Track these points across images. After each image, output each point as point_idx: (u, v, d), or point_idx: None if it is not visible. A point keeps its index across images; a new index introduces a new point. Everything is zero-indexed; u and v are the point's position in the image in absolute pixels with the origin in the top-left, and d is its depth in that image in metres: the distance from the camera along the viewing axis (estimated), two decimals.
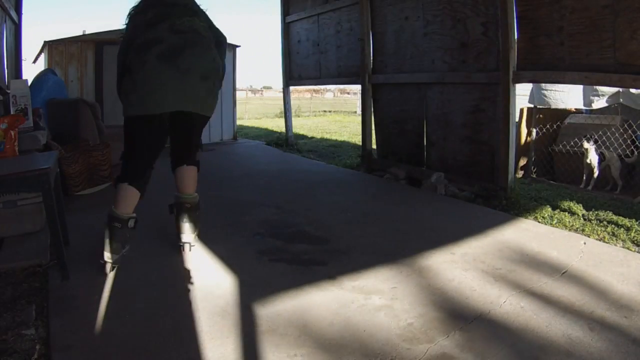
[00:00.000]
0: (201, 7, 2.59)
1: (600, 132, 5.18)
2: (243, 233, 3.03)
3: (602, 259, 2.55)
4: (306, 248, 2.77)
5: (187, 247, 2.67)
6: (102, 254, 2.29)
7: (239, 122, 9.75)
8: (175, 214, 2.64)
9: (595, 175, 5.17)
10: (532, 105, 6.17)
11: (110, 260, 2.30)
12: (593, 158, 5.13)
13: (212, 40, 2.48)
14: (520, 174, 5.68)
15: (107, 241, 2.28)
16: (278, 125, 11.24)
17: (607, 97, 5.92)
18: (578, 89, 6.22)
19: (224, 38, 2.63)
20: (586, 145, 5.11)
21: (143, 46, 2.28)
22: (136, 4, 2.51)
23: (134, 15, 2.45)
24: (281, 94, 7.72)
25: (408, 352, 1.70)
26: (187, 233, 2.61)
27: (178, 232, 2.63)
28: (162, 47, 2.26)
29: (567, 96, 6.28)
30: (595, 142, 5.16)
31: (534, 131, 5.77)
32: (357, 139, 7.89)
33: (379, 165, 5.26)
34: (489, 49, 3.91)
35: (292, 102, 7.76)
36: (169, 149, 2.77)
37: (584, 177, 5.22)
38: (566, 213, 3.52)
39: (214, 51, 2.45)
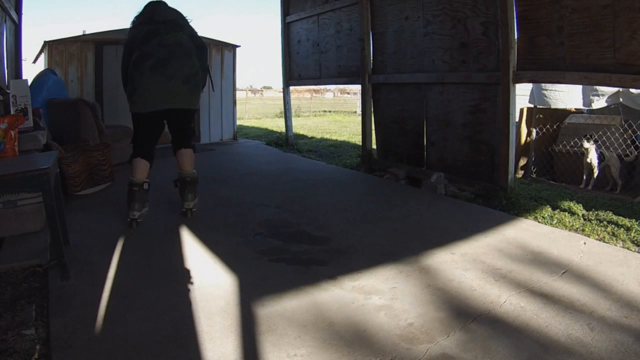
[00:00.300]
0: (187, 17, 3.23)
1: (600, 132, 5.18)
2: (243, 233, 3.03)
3: (602, 259, 2.55)
4: (306, 248, 2.77)
5: (189, 213, 3.30)
6: (128, 214, 3.04)
7: (239, 122, 9.75)
8: (179, 187, 3.31)
9: (595, 175, 5.17)
10: (532, 105, 6.17)
11: (135, 217, 3.04)
12: (593, 158, 5.13)
13: (193, 48, 3.11)
14: (520, 174, 5.68)
15: (130, 203, 3.02)
16: (278, 125, 11.24)
17: (607, 97, 5.92)
18: (578, 89, 6.22)
19: (204, 45, 3.29)
20: (586, 145, 5.12)
21: (139, 60, 2.98)
22: (138, 14, 3.16)
23: (135, 26, 3.12)
24: (281, 94, 7.72)
25: (408, 352, 1.70)
26: (189, 201, 3.28)
27: (182, 201, 3.30)
28: (153, 60, 2.95)
29: (567, 96, 6.28)
30: (595, 142, 5.16)
31: (534, 131, 5.77)
32: (357, 139, 7.89)
33: (379, 165, 5.26)
34: (489, 49, 3.91)
35: (292, 102, 7.76)
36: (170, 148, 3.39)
37: (584, 177, 5.22)
38: (566, 213, 3.52)
39: (193, 59, 3.09)
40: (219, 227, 3.16)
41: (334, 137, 9.02)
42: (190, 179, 3.25)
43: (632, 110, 5.70)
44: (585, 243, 2.82)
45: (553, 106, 6.21)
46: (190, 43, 3.09)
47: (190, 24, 3.26)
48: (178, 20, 3.11)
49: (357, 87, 10.00)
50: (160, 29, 3.00)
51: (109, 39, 6.57)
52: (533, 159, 5.71)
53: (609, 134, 5.13)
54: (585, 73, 3.23)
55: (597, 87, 5.86)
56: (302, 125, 11.64)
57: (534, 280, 2.28)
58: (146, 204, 3.14)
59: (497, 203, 3.74)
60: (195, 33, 3.22)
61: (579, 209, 3.58)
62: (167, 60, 2.95)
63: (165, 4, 3.19)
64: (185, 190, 3.25)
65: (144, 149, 3.12)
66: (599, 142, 5.18)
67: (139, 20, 3.11)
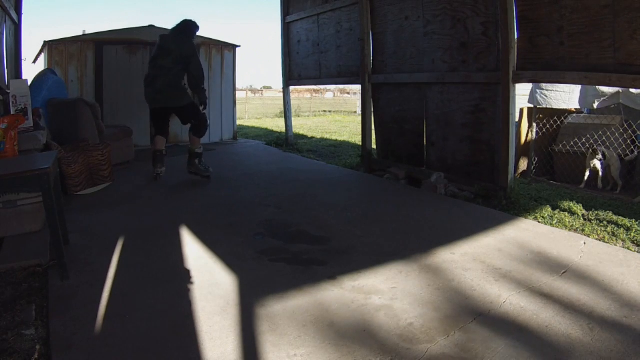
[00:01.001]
0: (191, 33, 4.63)
1: (600, 132, 5.18)
2: (243, 233, 3.03)
3: (602, 259, 2.55)
4: (306, 248, 2.77)
5: (189, 170, 4.71)
6: (154, 171, 4.62)
7: (239, 122, 9.74)
8: (188, 156, 4.73)
9: (600, 177, 5.12)
10: (532, 105, 6.17)
11: (159, 172, 4.61)
12: (597, 164, 5.07)
13: (177, 67, 4.43)
14: (520, 174, 5.68)
15: (155, 164, 4.61)
16: (278, 125, 11.23)
17: (607, 97, 5.91)
18: (579, 89, 6.22)
19: (189, 62, 4.46)
20: (596, 161, 5.04)
21: (145, 78, 4.63)
22: (168, 34, 4.67)
23: (155, 46, 4.68)
24: (281, 94, 7.72)
25: (408, 352, 1.70)
26: (189, 165, 4.69)
27: (188, 164, 4.74)
28: (149, 79, 4.55)
29: (567, 96, 6.28)
30: (597, 144, 5.12)
31: (534, 131, 5.76)
32: (357, 139, 7.89)
33: (379, 165, 5.26)
34: (489, 49, 3.91)
35: (292, 102, 7.76)
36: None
37: (585, 178, 5.18)
38: (566, 213, 3.52)
39: (170, 76, 4.43)
40: (219, 227, 3.16)
41: (334, 137, 9.02)
42: (192, 153, 4.70)
43: (632, 110, 5.70)
44: (585, 243, 2.83)
45: (554, 106, 6.21)
46: (173, 64, 4.42)
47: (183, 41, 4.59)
48: (171, 47, 4.44)
49: (357, 87, 10.00)
50: (159, 55, 4.48)
51: (109, 39, 6.57)
52: (534, 159, 5.70)
53: (609, 134, 5.12)
54: (585, 73, 3.23)
55: (598, 88, 5.85)
56: (302, 125, 11.63)
57: (534, 280, 2.28)
58: (164, 165, 4.67)
59: (497, 203, 3.74)
60: (185, 53, 4.44)
61: (579, 209, 3.58)
62: (156, 78, 4.48)
63: (170, 36, 4.57)
64: (190, 158, 4.71)
65: (158, 130, 4.69)
66: (599, 142, 5.16)
67: (156, 43, 4.66)
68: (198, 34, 4.82)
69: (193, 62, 4.44)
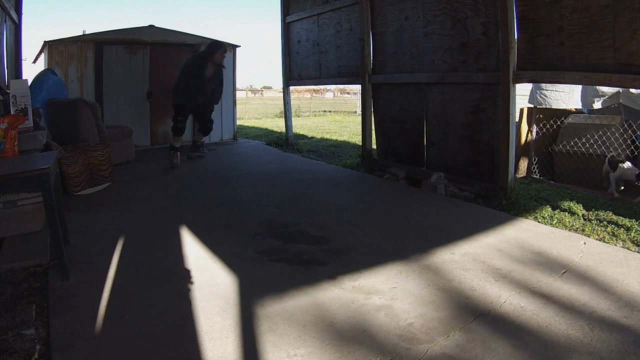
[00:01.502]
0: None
1: (600, 132, 5.17)
2: (243, 233, 3.03)
3: (602, 259, 2.55)
4: (306, 248, 2.77)
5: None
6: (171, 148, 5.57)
7: (239, 122, 9.74)
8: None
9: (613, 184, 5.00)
10: (532, 105, 6.16)
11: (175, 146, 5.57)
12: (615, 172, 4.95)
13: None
14: (520, 174, 5.68)
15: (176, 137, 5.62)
16: (278, 125, 11.23)
17: (607, 97, 5.91)
18: (579, 89, 6.22)
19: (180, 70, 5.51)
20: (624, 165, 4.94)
21: None
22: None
23: None
24: (281, 94, 7.72)
25: (408, 352, 1.70)
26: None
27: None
28: None
29: (567, 96, 6.27)
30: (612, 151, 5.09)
31: (534, 131, 5.76)
32: (357, 139, 7.88)
33: (379, 165, 5.26)
34: (489, 49, 3.91)
35: (292, 102, 7.76)
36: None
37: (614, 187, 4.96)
38: (566, 213, 3.52)
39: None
40: (219, 227, 3.16)
41: (334, 137, 9.01)
42: (170, 145, 5.54)
43: (632, 110, 5.70)
44: (585, 243, 2.83)
45: (554, 106, 6.21)
46: None
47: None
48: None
49: (357, 87, 10.00)
50: None
51: (109, 39, 6.57)
52: (535, 159, 5.70)
53: (609, 134, 5.12)
54: (585, 73, 3.23)
55: (598, 88, 5.85)
56: (302, 125, 11.63)
57: (534, 280, 2.28)
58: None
59: (497, 203, 3.74)
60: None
61: (579, 209, 3.58)
62: None
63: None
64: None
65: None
66: (599, 142, 5.15)
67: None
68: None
69: (178, 76, 5.44)
